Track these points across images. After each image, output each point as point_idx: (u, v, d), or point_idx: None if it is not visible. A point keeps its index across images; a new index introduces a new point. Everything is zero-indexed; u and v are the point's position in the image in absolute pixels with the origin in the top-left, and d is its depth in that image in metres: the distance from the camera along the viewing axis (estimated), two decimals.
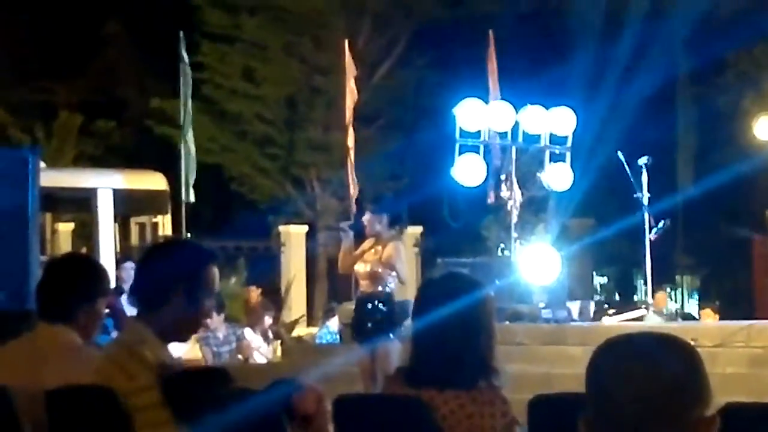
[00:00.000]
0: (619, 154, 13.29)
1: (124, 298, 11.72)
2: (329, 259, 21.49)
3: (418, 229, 22.01)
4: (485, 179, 13.66)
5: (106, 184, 17.69)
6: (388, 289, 10.50)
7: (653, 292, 15.30)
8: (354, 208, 16.57)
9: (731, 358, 10.14)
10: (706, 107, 22.92)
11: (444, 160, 13.58)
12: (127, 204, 18.32)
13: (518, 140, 13.61)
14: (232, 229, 21.81)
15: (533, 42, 21.98)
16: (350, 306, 12.00)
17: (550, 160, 13.77)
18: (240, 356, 14.67)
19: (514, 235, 13.64)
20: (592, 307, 14.88)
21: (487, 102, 14.11)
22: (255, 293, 18.47)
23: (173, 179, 18.19)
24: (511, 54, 17.27)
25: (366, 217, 10.86)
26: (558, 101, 14.01)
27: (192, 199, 17.64)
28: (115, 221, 18.14)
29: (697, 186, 20.21)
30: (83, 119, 27.85)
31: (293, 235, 22.41)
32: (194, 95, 18.60)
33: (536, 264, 13.11)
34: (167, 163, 19.51)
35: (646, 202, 13.21)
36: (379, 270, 10.42)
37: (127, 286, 12.22)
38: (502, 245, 15.25)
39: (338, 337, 15.84)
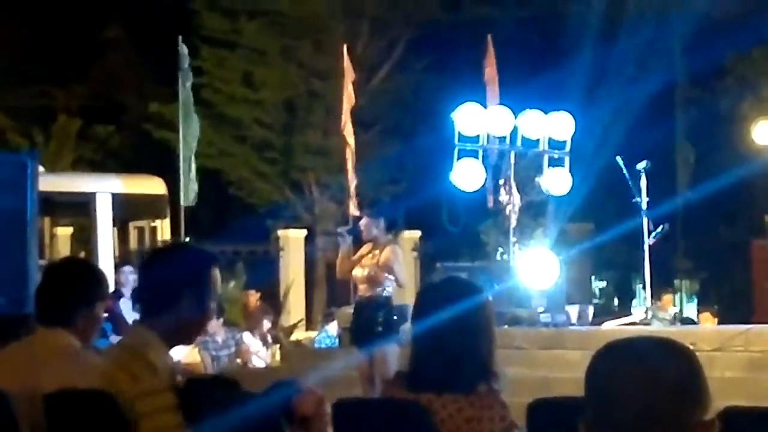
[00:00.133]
0: (618, 158, 13.28)
1: (122, 302, 11.73)
2: (328, 264, 21.50)
3: (416, 234, 22.02)
4: (484, 184, 13.66)
5: (104, 188, 17.68)
6: (386, 293, 10.50)
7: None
8: (353, 212, 16.59)
9: (730, 362, 10.14)
10: (705, 112, 22.91)
11: (443, 165, 13.58)
12: (126, 208, 18.31)
13: (517, 145, 13.61)
14: (230, 234, 21.81)
15: (532, 46, 22.00)
16: (349, 310, 12.00)
17: (549, 165, 13.77)
18: (239, 360, 14.67)
19: (513, 239, 13.64)
20: (590, 311, 14.89)
21: (485, 106, 14.12)
22: (254, 297, 18.48)
23: (172, 183, 18.20)
24: (510, 58, 17.29)
25: (363, 222, 10.87)
26: (557, 106, 14.01)
27: (193, 202, 17.63)
28: (114, 225, 18.13)
29: (696, 190, 20.18)
30: (82, 123, 27.87)
31: (292, 240, 22.43)
32: (193, 100, 18.61)
33: (535, 268, 13.11)
34: (166, 167, 19.51)
35: (644, 206, 13.20)
36: (377, 273, 10.42)
37: (125, 291, 12.24)
38: (501, 250, 15.27)
39: (337, 341, 15.84)
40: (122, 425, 3.40)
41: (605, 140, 17.85)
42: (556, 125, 13.74)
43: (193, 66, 18.84)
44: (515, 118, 13.51)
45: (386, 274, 10.45)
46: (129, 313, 10.70)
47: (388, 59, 24.78)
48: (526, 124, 13.56)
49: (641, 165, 13.19)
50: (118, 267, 15.02)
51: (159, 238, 18.56)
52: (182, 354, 12.42)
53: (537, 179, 13.93)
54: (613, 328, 14.30)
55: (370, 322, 10.39)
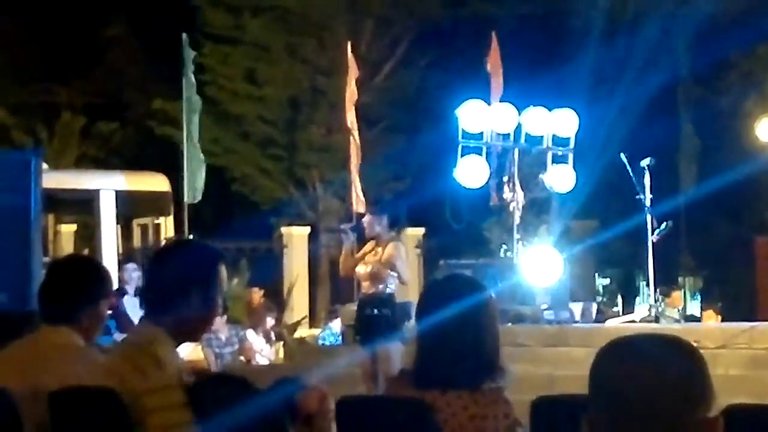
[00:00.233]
0: (622, 155, 13.28)
1: (126, 300, 11.72)
2: (331, 261, 21.49)
3: (420, 231, 22.01)
4: (487, 181, 13.66)
5: (108, 185, 17.69)
6: (389, 290, 10.50)
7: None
8: (356, 209, 16.58)
9: (733, 360, 10.13)
10: (709, 109, 22.89)
11: (446, 162, 13.58)
12: (130, 205, 18.32)
13: (521, 142, 13.61)
14: (234, 231, 21.79)
15: (536, 43, 21.97)
16: (353, 307, 12.01)
17: (553, 162, 13.77)
18: (242, 358, 14.67)
19: (517, 236, 13.64)
20: (594, 308, 14.88)
21: (489, 103, 14.12)
22: (257, 295, 18.46)
23: (175, 180, 18.20)
24: (514, 55, 17.26)
25: (366, 219, 10.87)
26: (560, 103, 14.01)
27: (197, 199, 17.63)
28: (118, 223, 18.12)
29: (700, 187, 20.17)
30: (86, 121, 27.88)
31: (295, 237, 22.42)
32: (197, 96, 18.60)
33: (539, 265, 13.11)
34: (169, 164, 19.51)
35: (648, 203, 13.18)
36: (380, 270, 10.42)
37: (129, 288, 12.24)
38: (505, 247, 15.26)
39: (341, 338, 15.84)
40: (126, 423, 3.40)
41: (609, 137, 17.85)
42: (559, 122, 13.74)
43: (196, 63, 18.84)
44: (519, 115, 13.51)
45: (389, 271, 10.45)
46: (133, 310, 10.69)
47: (391, 56, 24.77)
48: (530, 121, 13.57)
49: (645, 162, 13.17)
50: (121, 264, 15.05)
51: (162, 235, 18.57)
52: (186, 351, 12.42)
53: (541, 176, 13.93)
54: (617, 325, 14.30)
55: (373, 319, 10.39)
